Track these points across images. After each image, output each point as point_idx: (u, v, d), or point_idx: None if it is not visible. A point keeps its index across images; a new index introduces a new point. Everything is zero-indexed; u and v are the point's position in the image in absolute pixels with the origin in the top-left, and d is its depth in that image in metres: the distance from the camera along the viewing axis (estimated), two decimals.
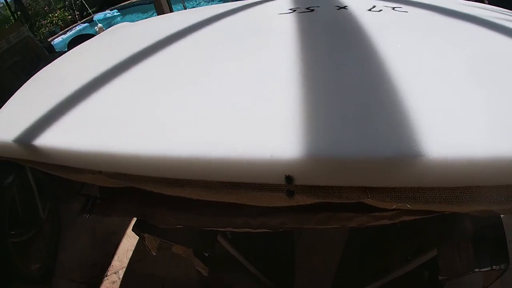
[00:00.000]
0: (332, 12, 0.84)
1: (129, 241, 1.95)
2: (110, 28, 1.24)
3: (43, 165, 0.75)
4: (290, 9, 0.90)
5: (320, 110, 0.51)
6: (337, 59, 0.62)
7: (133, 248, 1.91)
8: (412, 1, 0.89)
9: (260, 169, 0.49)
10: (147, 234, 0.84)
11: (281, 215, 0.68)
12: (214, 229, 0.74)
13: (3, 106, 0.85)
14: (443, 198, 0.52)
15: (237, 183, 0.54)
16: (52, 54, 2.62)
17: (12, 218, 1.71)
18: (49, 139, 0.65)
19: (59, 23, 7.03)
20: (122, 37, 1.10)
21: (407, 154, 0.44)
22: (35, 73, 0.95)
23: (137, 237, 1.92)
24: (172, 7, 2.26)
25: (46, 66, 1.04)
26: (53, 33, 6.50)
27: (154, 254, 0.98)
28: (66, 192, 2.26)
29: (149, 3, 7.56)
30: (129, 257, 1.87)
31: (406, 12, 0.81)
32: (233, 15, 0.91)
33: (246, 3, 1.04)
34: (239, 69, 0.67)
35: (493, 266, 0.75)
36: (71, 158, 0.65)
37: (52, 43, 4.57)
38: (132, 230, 0.86)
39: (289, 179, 0.49)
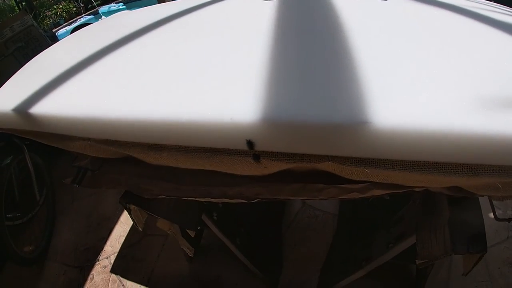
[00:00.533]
0: None
1: (122, 227, 1.99)
2: (111, 16, 1.29)
3: (39, 135, 0.79)
4: None
5: (281, 79, 0.55)
6: (305, 37, 0.67)
7: (125, 234, 1.95)
8: None
9: (224, 132, 0.52)
10: (133, 206, 0.88)
11: (256, 185, 0.72)
12: (194, 199, 0.78)
13: (3, 85, 0.91)
14: (400, 166, 0.54)
15: (209, 148, 0.58)
16: (54, 43, 2.68)
17: (8, 200, 1.76)
18: (42, 108, 0.71)
19: (64, 14, 7.13)
20: (120, 22, 1.15)
21: (356, 121, 0.46)
22: None
23: (130, 224, 1.98)
24: None
25: (45, 50, 1.09)
26: (57, 25, 6.59)
27: (140, 229, 1.02)
28: (62, 177, 2.33)
29: None
30: (121, 243, 1.91)
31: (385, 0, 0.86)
32: (223, 1, 0.96)
33: None
34: (216, 44, 0.72)
35: (470, 250, 0.77)
36: (63, 125, 0.70)
37: (56, 34, 4.63)
38: (119, 202, 0.90)
39: (250, 144, 0.52)
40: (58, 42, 1.12)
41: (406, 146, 0.48)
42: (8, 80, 0.92)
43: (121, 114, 0.60)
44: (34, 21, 2.40)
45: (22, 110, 0.73)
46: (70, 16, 7.19)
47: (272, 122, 0.49)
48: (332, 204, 1.93)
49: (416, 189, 0.65)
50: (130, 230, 1.96)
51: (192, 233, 1.07)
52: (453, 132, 0.44)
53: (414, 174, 0.54)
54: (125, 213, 2.05)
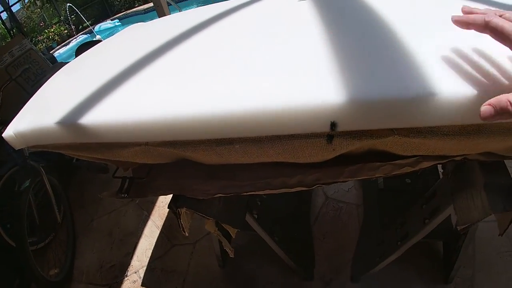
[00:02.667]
0: None
1: (147, 241, 1.97)
2: (127, 28, 1.29)
3: (83, 147, 0.78)
4: None
5: (353, 65, 0.57)
6: (359, 29, 0.69)
7: (152, 247, 1.93)
8: None
9: (309, 117, 0.53)
10: (184, 209, 0.88)
11: (316, 171, 0.73)
12: (253, 193, 0.78)
13: (33, 96, 0.89)
14: (456, 131, 0.57)
15: (285, 136, 0.59)
16: (55, 64, 2.67)
17: (29, 223, 1.74)
18: (92, 117, 0.69)
19: (56, 37, 7.11)
20: (142, 33, 1.15)
21: (425, 93, 0.50)
22: (41, 84, 0.98)
23: (155, 236, 1.98)
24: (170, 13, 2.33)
25: (70, 63, 1.09)
26: (50, 48, 6.56)
27: (187, 234, 1.02)
28: (79, 198, 2.31)
29: (144, 13, 7.69)
30: (149, 256, 1.89)
31: None
32: (254, 4, 0.98)
33: None
34: (273, 40, 0.73)
35: (506, 209, 0.81)
36: (119, 132, 0.68)
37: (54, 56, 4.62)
38: (168, 207, 0.90)
39: (333, 125, 0.54)
40: (79, 56, 1.11)
41: (462, 111, 0.51)
42: (34, 96, 0.90)
43: (190, 112, 0.60)
44: (32, 44, 2.39)
45: (68, 122, 0.71)
46: (63, 39, 7.17)
47: (355, 102, 0.51)
48: (354, 196, 1.95)
49: (457, 158, 0.70)
50: (156, 243, 1.95)
51: (233, 233, 1.07)
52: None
53: (461, 141, 0.58)
54: (149, 226, 2.05)
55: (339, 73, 0.55)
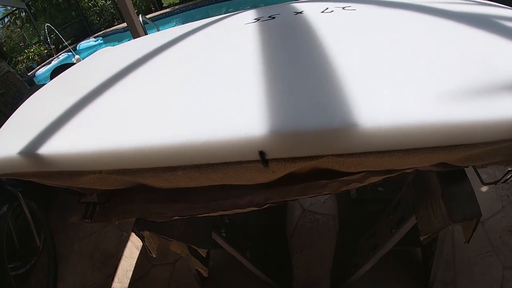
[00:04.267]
0: (290, 17, 0.96)
1: (127, 262, 1.97)
2: (94, 53, 1.34)
3: (46, 175, 0.81)
4: (255, 19, 1.03)
5: (279, 94, 0.61)
6: (291, 53, 0.74)
7: (132, 268, 1.93)
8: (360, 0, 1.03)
9: (238, 147, 0.57)
10: (147, 233, 0.90)
11: (265, 191, 0.77)
12: (207, 215, 0.82)
13: (2, 127, 0.92)
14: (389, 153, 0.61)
15: (221, 163, 0.63)
16: (33, 87, 2.69)
17: (9, 250, 1.73)
18: (50, 147, 0.73)
19: (36, 57, 7.12)
20: (108, 58, 1.20)
21: (348, 124, 0.54)
22: (19, 106, 1.01)
23: (135, 257, 1.98)
24: (147, 31, 2.38)
25: (36, 92, 1.12)
26: (30, 69, 6.56)
27: (154, 256, 1.04)
28: (60, 221, 2.30)
29: (123, 31, 7.77)
30: (129, 277, 1.89)
31: (354, 10, 0.95)
32: (206, 28, 1.03)
33: (217, 18, 1.16)
34: (212, 69, 0.78)
35: (466, 217, 0.84)
36: (74, 161, 0.72)
37: (33, 78, 4.63)
38: (132, 230, 0.93)
39: (262, 154, 0.58)
40: (48, 83, 1.15)
41: (390, 139, 0.56)
42: (4, 125, 0.93)
43: (135, 143, 0.64)
44: (10, 67, 2.41)
45: (29, 152, 0.75)
46: (42, 59, 7.19)
47: (279, 133, 0.55)
48: (331, 207, 1.98)
49: (408, 171, 0.72)
50: (136, 263, 1.95)
51: (203, 253, 1.09)
52: (427, 123, 0.53)
53: (403, 157, 0.61)
54: (129, 247, 2.05)
55: (266, 103, 0.60)
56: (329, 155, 0.60)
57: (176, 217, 0.84)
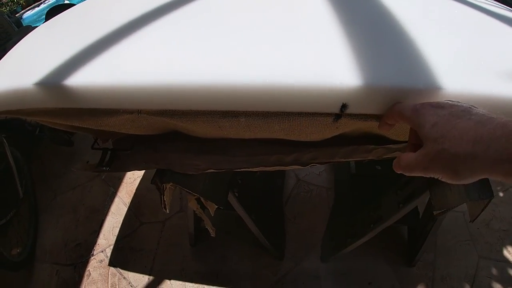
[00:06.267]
0: None
1: (114, 218, 1.90)
2: None
3: (64, 114, 0.71)
4: None
5: (364, 52, 0.56)
6: (368, 19, 0.68)
7: (119, 225, 1.86)
8: None
9: (323, 97, 0.52)
10: (169, 185, 0.85)
11: (313, 150, 0.74)
12: (245, 169, 0.77)
13: (3, 58, 0.79)
14: None
15: (294, 112, 0.57)
16: (21, 28, 2.43)
17: None
18: (77, 80, 0.62)
19: (21, 1, 6.51)
20: None
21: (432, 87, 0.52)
22: (6, 47, 0.87)
23: (123, 214, 1.91)
24: None
25: (40, 27, 0.98)
26: (15, 12, 5.98)
27: (167, 211, 0.99)
28: (41, 172, 2.16)
29: None
30: (116, 234, 1.83)
31: None
32: None
33: None
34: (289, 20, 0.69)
35: (481, 197, 0.87)
36: (109, 97, 0.61)
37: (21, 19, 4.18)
38: (151, 182, 0.86)
39: (344, 106, 0.54)
40: (51, 19, 1.00)
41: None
42: (6, 56, 0.79)
43: (194, 81, 0.56)
44: None
45: (51, 84, 0.63)
46: (28, 3, 6.56)
47: (368, 87, 0.51)
48: (325, 179, 2.01)
49: None
50: (123, 220, 1.88)
51: (212, 212, 1.06)
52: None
53: None
54: (116, 203, 1.97)
55: (353, 57, 0.55)
56: None
57: (211, 170, 0.79)
